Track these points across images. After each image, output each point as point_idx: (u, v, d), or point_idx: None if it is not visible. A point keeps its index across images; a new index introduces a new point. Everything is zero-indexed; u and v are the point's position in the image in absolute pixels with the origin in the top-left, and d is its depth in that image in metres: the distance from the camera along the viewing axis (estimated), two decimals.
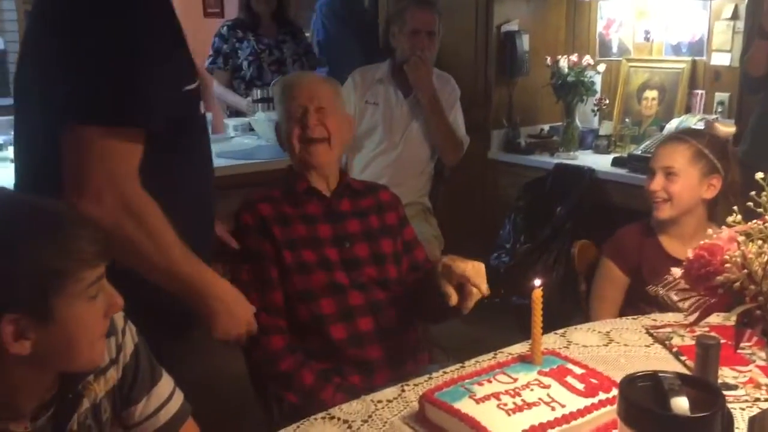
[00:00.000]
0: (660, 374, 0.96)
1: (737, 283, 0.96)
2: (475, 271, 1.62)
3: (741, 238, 1.00)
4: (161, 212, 1.41)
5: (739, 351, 1.57)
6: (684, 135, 2.13)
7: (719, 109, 3.46)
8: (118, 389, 1.22)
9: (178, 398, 1.30)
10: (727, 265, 0.98)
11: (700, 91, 3.57)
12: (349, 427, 1.36)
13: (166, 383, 1.29)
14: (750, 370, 1.52)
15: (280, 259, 1.78)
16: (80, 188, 1.32)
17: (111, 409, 1.22)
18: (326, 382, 1.75)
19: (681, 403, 0.91)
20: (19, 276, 0.98)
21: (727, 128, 2.12)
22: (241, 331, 1.60)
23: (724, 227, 1.04)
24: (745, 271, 0.96)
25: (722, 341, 1.28)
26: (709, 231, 1.08)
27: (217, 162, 3.06)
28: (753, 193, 0.98)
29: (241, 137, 3.53)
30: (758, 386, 1.46)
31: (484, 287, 1.62)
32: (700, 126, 3.33)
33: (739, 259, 0.97)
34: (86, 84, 1.32)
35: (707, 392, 0.96)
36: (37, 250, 0.99)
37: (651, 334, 1.74)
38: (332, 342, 1.78)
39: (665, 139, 2.17)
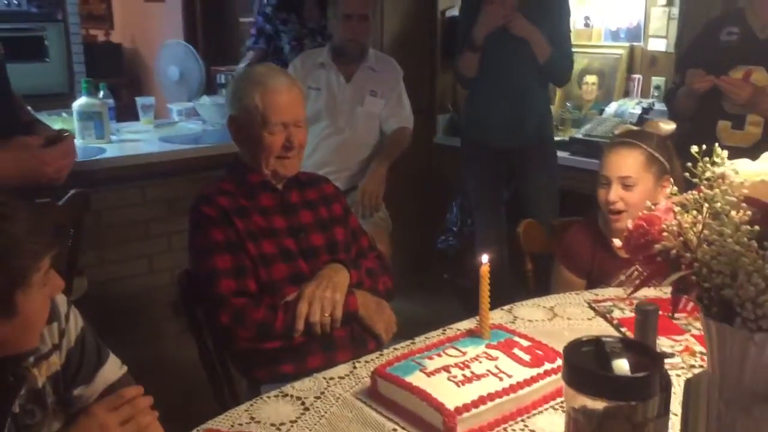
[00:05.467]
0: (602, 339, 1.01)
1: (674, 251, 1.00)
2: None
3: (677, 209, 1.04)
4: None
5: (675, 321, 1.65)
6: (632, 140, 2.02)
7: (656, 93, 3.57)
8: (62, 374, 1.21)
9: (128, 381, 1.29)
10: (665, 233, 1.02)
11: (637, 76, 3.68)
12: (302, 403, 1.38)
13: (112, 365, 1.28)
14: (686, 339, 1.60)
15: (246, 250, 1.78)
16: None
17: (54, 394, 1.20)
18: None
19: (622, 365, 0.95)
20: None
21: (668, 126, 2.09)
22: None
23: (661, 198, 1.09)
24: (681, 239, 1.01)
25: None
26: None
27: (162, 147, 3.04)
28: (689, 164, 1.03)
29: (186, 122, 3.48)
30: (693, 354, 1.53)
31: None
32: (638, 110, 3.45)
33: (675, 228, 1.02)
34: None
35: (647, 355, 1.01)
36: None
37: (593, 308, 1.80)
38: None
39: (613, 144, 2.07)
